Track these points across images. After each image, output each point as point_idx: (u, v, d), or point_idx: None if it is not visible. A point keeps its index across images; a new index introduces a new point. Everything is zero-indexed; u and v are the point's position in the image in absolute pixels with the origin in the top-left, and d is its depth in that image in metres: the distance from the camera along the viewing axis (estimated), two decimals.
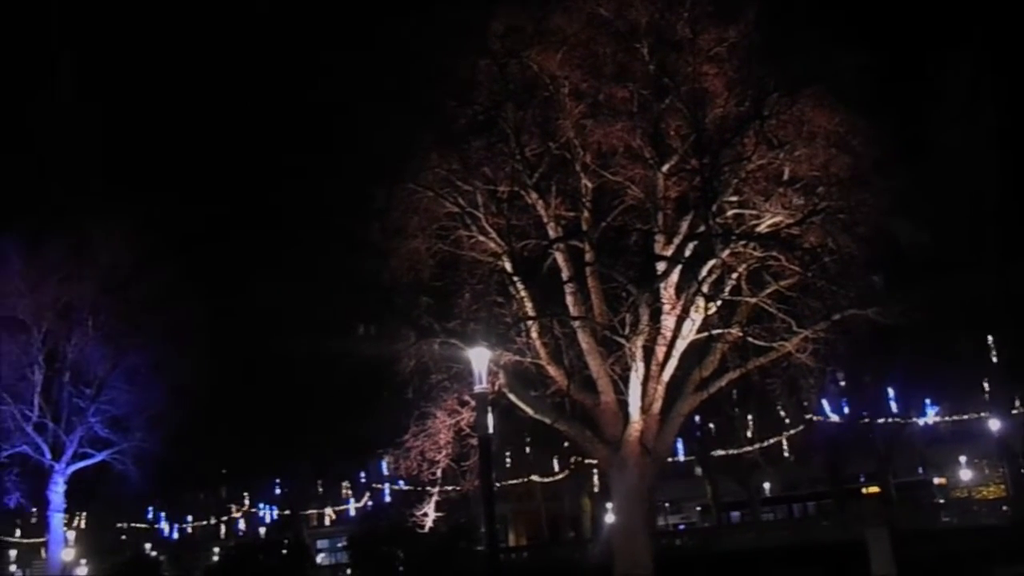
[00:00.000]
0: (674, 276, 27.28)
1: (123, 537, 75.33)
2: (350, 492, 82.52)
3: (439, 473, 27.78)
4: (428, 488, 28.62)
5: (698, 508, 70.98)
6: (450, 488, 29.32)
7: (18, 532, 68.99)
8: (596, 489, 68.52)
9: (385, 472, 63.15)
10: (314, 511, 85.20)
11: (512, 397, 28.09)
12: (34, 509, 56.60)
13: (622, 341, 26.84)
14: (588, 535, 68.14)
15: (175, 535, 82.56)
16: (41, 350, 48.95)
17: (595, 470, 63.48)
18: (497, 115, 28.64)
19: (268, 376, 59.69)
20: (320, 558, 75.08)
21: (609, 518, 42.02)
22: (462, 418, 27.21)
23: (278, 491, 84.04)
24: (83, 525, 61.83)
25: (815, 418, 57.24)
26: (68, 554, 52.82)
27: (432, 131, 29.18)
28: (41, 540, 58.29)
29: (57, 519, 50.06)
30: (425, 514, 28.98)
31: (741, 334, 26.47)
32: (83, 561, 59.18)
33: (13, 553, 73.05)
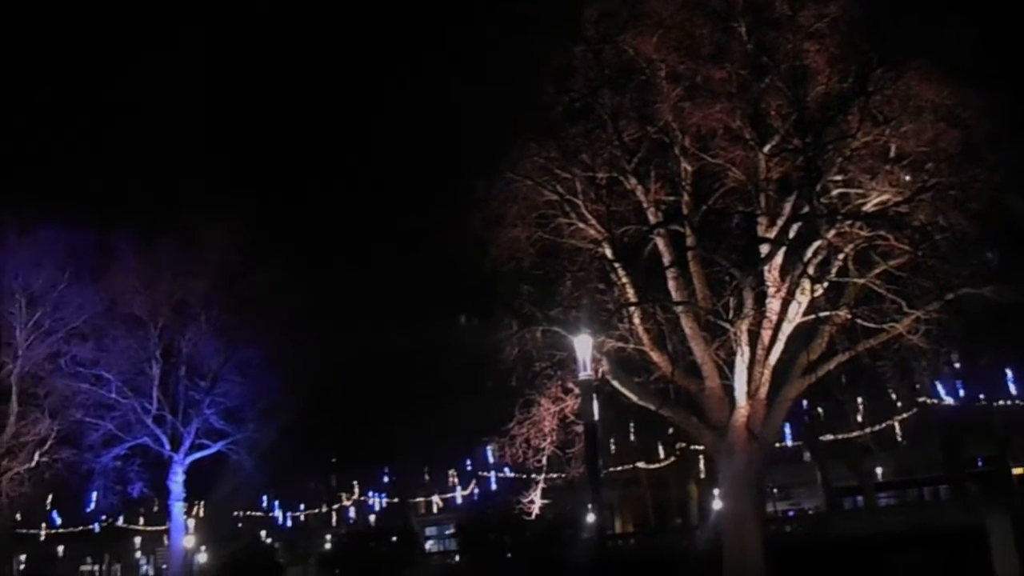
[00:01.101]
0: (778, 258, 26.84)
1: (239, 525, 77.62)
2: (456, 480, 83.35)
3: (544, 460, 27.94)
4: (534, 475, 28.81)
5: (823, 492, 69.22)
6: (555, 475, 29.45)
7: (142, 520, 71.82)
8: (703, 475, 67.78)
9: (491, 460, 63.62)
10: (422, 499, 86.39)
11: (616, 384, 28.04)
12: (156, 498, 58.84)
13: (726, 325, 26.54)
14: (695, 522, 67.55)
15: (288, 523, 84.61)
16: (158, 345, 50.74)
17: (701, 456, 62.84)
18: (594, 101, 28.58)
19: (375, 366, 60.73)
20: (428, 545, 76.19)
21: (716, 504, 41.56)
22: (566, 405, 27.32)
23: (386, 479, 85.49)
24: (202, 513, 63.92)
25: (929, 401, 55.48)
26: (189, 541, 54.79)
27: (529, 119, 29.28)
28: (163, 528, 60.53)
29: (178, 507, 51.94)
30: (531, 501, 29.16)
31: (849, 316, 25.94)
32: (203, 548, 61.25)
33: (138, 540, 76.04)
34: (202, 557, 61.55)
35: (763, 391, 27.53)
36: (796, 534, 54.12)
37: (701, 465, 66.66)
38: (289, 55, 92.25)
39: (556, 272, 28.93)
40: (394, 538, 53.68)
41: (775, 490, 68.24)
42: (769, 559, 27.85)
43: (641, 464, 68.21)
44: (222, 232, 49.65)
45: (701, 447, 45.37)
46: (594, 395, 19.32)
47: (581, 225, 29.02)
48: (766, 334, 26.87)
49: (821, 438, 62.51)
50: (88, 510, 60.69)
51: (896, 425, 60.08)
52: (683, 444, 60.79)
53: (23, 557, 75.06)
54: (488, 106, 29.76)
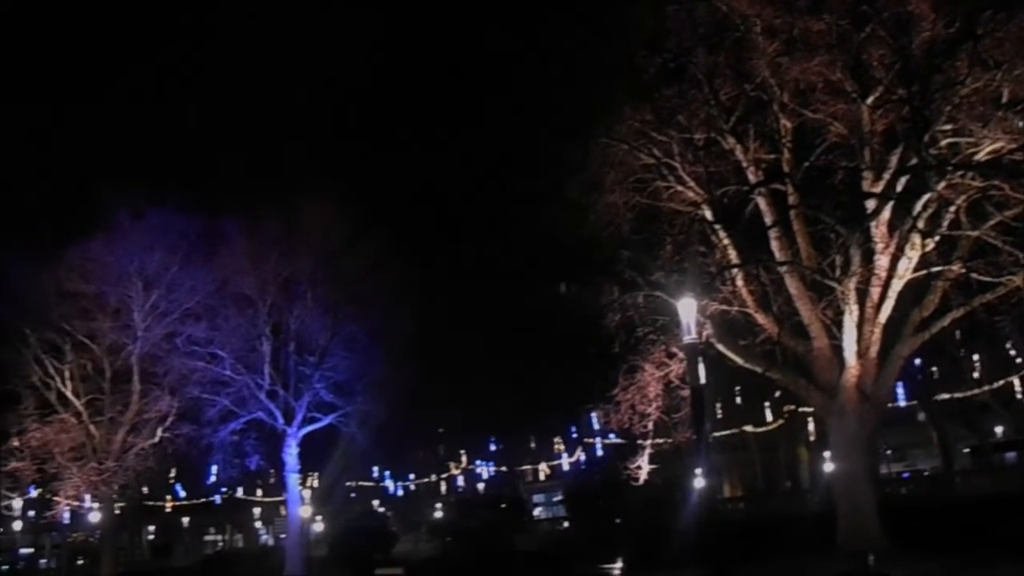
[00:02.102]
0: (886, 213, 26.12)
1: (352, 495, 79.44)
2: (562, 447, 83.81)
3: (650, 426, 27.93)
4: (640, 441, 28.80)
5: (966, 450, 67.03)
6: (662, 440, 29.39)
7: (260, 492, 74.22)
8: (813, 438, 66.67)
9: (596, 426, 63.75)
10: (528, 467, 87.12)
11: (720, 347, 27.77)
12: (272, 470, 60.63)
13: (833, 284, 26.02)
14: (806, 485, 66.53)
15: (399, 492, 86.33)
16: (267, 323, 51.94)
17: (811, 418, 61.84)
18: (688, 61, 28.16)
19: (477, 336, 61.25)
20: (537, 512, 76.82)
21: (828, 467, 40.83)
22: (671, 370, 27.23)
23: (493, 448, 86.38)
24: (316, 484, 65.65)
25: None
26: (305, 511, 56.31)
27: (623, 83, 28.99)
28: (280, 499, 62.39)
29: (293, 479, 53.37)
30: (639, 467, 29.19)
31: (963, 270, 25.14)
32: (318, 517, 62.94)
33: (257, 511, 78.66)
34: (318, 526, 63.25)
35: (874, 350, 26.93)
36: (912, 496, 52.77)
37: (811, 427, 65.59)
38: (386, 27, 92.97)
39: (656, 236, 28.76)
40: (503, 506, 54.23)
41: (889, 452, 66.69)
42: (884, 521, 27.31)
43: (748, 427, 67.40)
44: (324, 210, 50.49)
45: (810, 409, 44.53)
46: (700, 359, 19.13)
47: (679, 188, 28.73)
48: (875, 291, 26.23)
49: (936, 397, 60.72)
50: (209, 482, 62.93)
51: (1016, 382, 57.93)
52: (791, 406, 59.88)
53: (151, 528, 78.53)
54: (580, 72, 29.52)
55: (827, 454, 42.88)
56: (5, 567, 59.25)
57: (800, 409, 57.59)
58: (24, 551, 67.92)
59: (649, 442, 28.55)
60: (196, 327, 50.43)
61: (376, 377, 50.81)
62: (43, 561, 71.86)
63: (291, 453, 52.35)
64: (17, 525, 57.00)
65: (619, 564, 32.14)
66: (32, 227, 51.98)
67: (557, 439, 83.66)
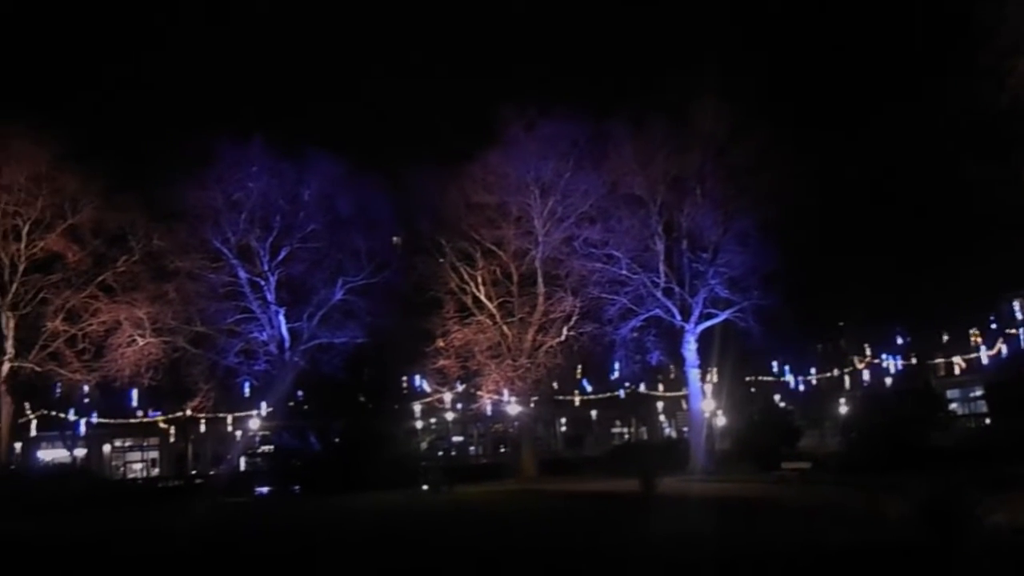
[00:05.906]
0: None
1: (752, 390, 79.27)
2: (979, 339, 77.51)
3: None
4: None
5: None
6: None
7: (661, 387, 76.23)
8: None
9: (1019, 316, 58.21)
10: (941, 360, 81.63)
11: None
12: (672, 366, 62.15)
13: None
14: None
15: (800, 387, 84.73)
16: (659, 222, 52.91)
17: None
18: None
19: (878, 223, 57.97)
20: (952, 408, 72.07)
21: None
22: None
23: (900, 341, 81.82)
24: (715, 379, 66.27)
25: None
26: (707, 405, 57.24)
27: None
28: (681, 393, 63.83)
29: (693, 374, 54.42)
30: None
31: None
32: (719, 411, 63.54)
33: (660, 405, 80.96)
34: (719, 421, 63.94)
35: None
36: None
37: None
38: None
39: None
40: (914, 400, 51.37)
41: None
42: None
43: None
44: (710, 105, 49.89)
45: None
46: None
47: None
48: None
49: None
50: (613, 378, 65.68)
51: None
52: None
53: (563, 420, 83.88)
54: None
55: None
56: (440, 452, 66.42)
57: None
58: (455, 439, 75.41)
59: None
60: (591, 230, 52.61)
61: (770, 271, 50.05)
62: (471, 448, 79.45)
63: (690, 348, 53.35)
64: (449, 416, 63.43)
65: None
66: (439, 145, 56.58)
67: (973, 330, 77.40)
